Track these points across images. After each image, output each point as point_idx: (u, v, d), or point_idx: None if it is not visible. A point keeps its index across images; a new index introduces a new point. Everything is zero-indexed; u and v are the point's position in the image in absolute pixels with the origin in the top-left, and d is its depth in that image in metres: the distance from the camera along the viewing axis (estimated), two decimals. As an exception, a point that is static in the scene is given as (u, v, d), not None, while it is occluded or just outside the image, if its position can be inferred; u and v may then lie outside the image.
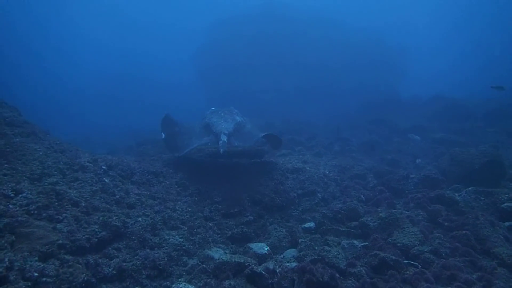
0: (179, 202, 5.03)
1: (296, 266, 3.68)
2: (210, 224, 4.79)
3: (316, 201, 5.96)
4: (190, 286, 3.43)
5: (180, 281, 3.56)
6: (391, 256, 3.78)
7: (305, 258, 3.92)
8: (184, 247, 4.12)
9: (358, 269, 3.67)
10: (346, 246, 4.33)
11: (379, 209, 5.35)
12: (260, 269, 3.51)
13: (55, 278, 2.89)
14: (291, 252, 4.33)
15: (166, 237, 4.17)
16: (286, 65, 21.71)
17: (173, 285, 3.44)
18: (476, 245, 4.13)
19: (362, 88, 21.01)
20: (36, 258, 2.96)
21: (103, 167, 4.94)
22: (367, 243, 4.38)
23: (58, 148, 5.10)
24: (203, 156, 6.68)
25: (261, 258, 3.99)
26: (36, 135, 5.35)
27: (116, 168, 5.13)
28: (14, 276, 2.70)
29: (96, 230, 3.66)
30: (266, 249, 4.16)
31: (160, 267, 3.64)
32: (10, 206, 3.36)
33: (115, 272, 3.36)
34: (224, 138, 5.63)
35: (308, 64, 21.81)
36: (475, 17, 42.22)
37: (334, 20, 24.38)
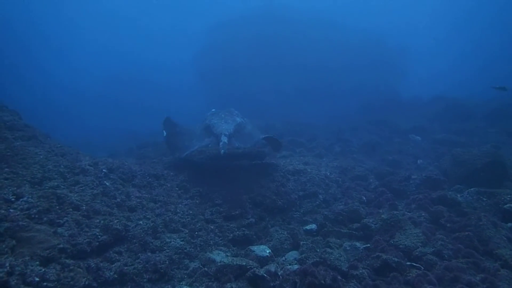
0: (180, 205, 5.01)
1: (298, 268, 3.67)
2: (212, 227, 4.78)
3: (317, 202, 5.94)
4: (191, 289, 3.42)
5: (182, 284, 3.56)
6: (393, 258, 3.77)
7: (307, 261, 3.91)
8: (185, 250, 4.11)
9: (360, 271, 3.66)
10: (348, 248, 4.31)
11: (381, 211, 5.32)
12: (262, 271, 3.51)
13: (56, 282, 2.89)
14: (293, 255, 4.32)
15: (167, 240, 4.16)
16: (286, 67, 21.75)
17: (175, 289, 3.43)
18: (479, 246, 4.10)
19: (362, 89, 20.96)
20: (37, 262, 2.96)
21: (103, 170, 4.93)
22: (369, 245, 4.36)
23: (59, 152, 5.09)
24: (204, 158, 6.68)
25: (262, 261, 3.98)
26: (37, 139, 5.35)
27: (117, 171, 5.12)
28: (15, 281, 2.70)
29: (97, 233, 3.66)
30: (267, 251, 4.15)
31: (162, 270, 3.63)
32: (11, 210, 3.36)
33: (116, 276, 3.36)
34: (224, 139, 5.62)
35: (308, 65, 21.83)
36: (475, 18, 42.25)
37: (334, 21, 24.48)
